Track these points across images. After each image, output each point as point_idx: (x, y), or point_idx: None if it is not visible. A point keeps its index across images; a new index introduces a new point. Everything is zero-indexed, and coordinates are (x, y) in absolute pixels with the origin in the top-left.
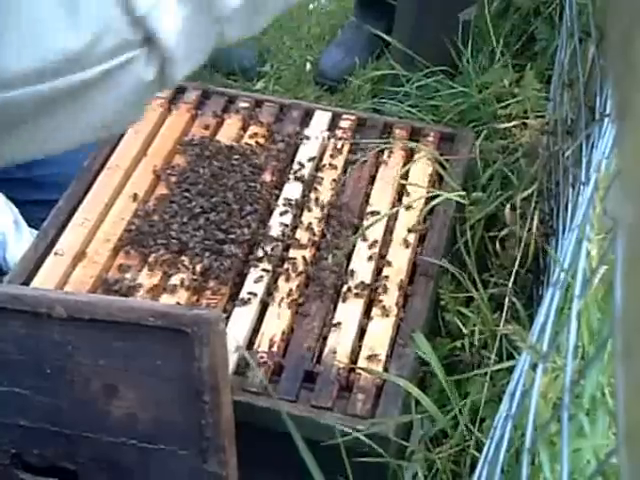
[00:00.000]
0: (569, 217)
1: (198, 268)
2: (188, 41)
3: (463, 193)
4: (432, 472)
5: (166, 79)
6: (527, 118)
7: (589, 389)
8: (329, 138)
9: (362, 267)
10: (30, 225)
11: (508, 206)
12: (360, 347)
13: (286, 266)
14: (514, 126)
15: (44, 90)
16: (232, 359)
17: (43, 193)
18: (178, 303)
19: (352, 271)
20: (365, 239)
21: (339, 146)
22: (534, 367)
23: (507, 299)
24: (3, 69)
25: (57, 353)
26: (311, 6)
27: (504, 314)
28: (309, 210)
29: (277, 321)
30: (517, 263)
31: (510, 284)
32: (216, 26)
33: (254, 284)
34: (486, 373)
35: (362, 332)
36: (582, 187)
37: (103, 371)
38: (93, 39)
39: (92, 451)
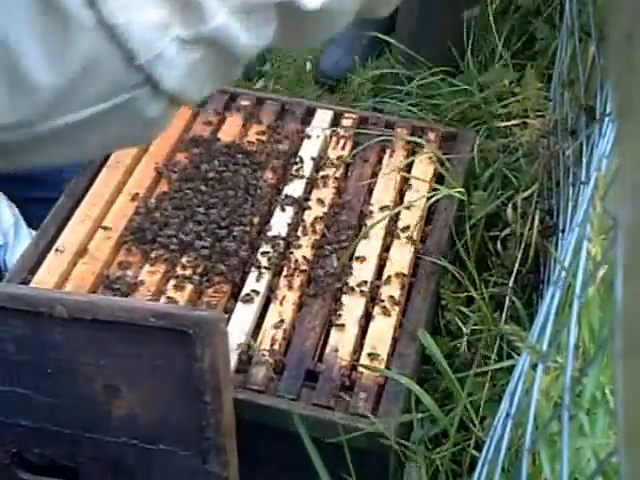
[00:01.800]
0: (569, 216)
1: (200, 266)
2: (197, 80)
3: (463, 190)
4: (432, 471)
5: (180, 104)
6: (528, 117)
7: (590, 388)
8: (331, 137)
9: (363, 266)
10: (29, 223)
11: (510, 206)
12: (362, 346)
13: (288, 264)
14: (515, 125)
15: (38, 130)
16: (234, 357)
17: (43, 191)
18: (176, 301)
19: (353, 270)
20: (366, 238)
21: (341, 145)
22: (534, 367)
23: (507, 299)
24: None
25: (58, 353)
26: None
27: (504, 314)
28: (311, 208)
29: (279, 319)
30: (517, 263)
31: (510, 283)
32: (233, 66)
33: (256, 282)
34: (486, 372)
35: (363, 331)
36: (582, 186)
37: (104, 371)
38: (83, 82)
39: (93, 451)
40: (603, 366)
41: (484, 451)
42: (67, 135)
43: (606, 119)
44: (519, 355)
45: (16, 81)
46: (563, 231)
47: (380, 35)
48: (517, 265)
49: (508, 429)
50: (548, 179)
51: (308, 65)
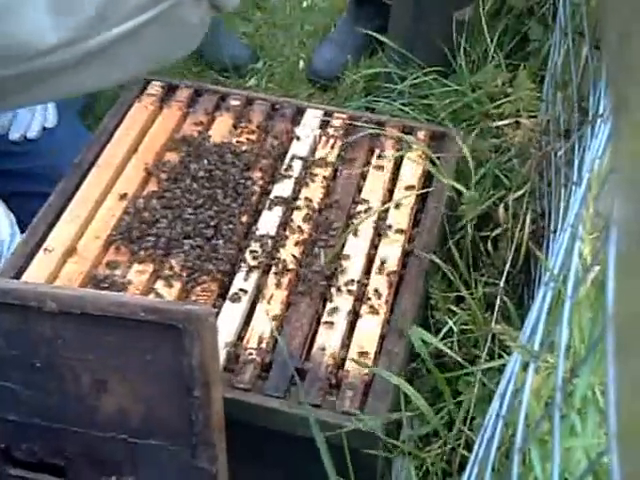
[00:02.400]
0: (561, 217)
1: (188, 265)
2: None
3: (455, 185)
4: (422, 471)
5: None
6: (520, 118)
7: (581, 388)
8: (320, 136)
9: (351, 264)
10: (18, 217)
11: (501, 206)
12: (349, 344)
13: (276, 263)
14: (507, 125)
15: (84, 47)
16: (221, 356)
17: (32, 185)
18: (163, 298)
19: (341, 268)
20: (355, 236)
21: (330, 144)
22: (525, 366)
23: (498, 298)
24: (44, 42)
25: (47, 347)
26: (305, 3)
27: (495, 313)
28: (299, 208)
29: (266, 318)
30: (509, 263)
31: (501, 283)
32: None
33: (244, 281)
34: (476, 372)
35: (351, 329)
36: (574, 187)
37: (93, 366)
38: None
39: (81, 446)
40: (594, 366)
41: (474, 451)
42: (112, 51)
43: (598, 120)
44: (509, 355)
45: (59, 1)
46: (555, 232)
47: (373, 34)
48: (508, 265)
49: (499, 429)
50: (540, 179)
51: (301, 63)
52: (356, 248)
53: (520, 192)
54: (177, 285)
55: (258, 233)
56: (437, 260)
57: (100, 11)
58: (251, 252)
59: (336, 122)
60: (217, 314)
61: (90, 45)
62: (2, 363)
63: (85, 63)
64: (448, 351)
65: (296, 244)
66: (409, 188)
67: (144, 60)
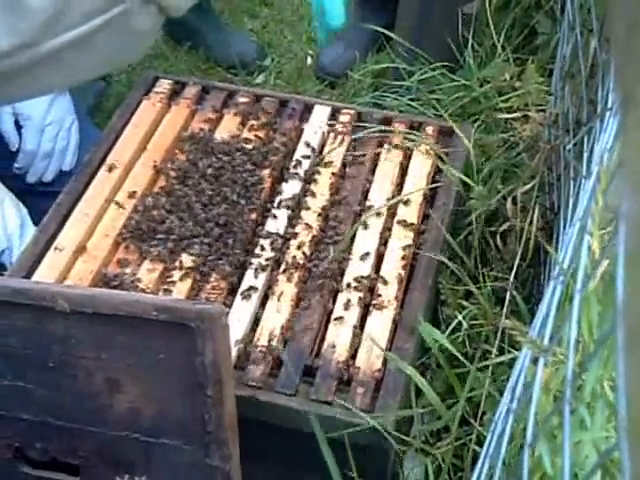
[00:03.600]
0: (570, 211)
1: (198, 263)
2: None
3: (464, 180)
4: (434, 466)
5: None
6: (528, 112)
7: (590, 382)
8: (329, 133)
9: (361, 261)
10: (32, 216)
11: (509, 200)
12: (359, 341)
13: (285, 260)
14: (515, 119)
15: (37, 52)
16: (232, 353)
17: (44, 184)
18: (173, 297)
19: (351, 265)
20: (364, 233)
21: (339, 140)
22: (535, 361)
23: (508, 293)
24: None
25: (60, 347)
26: None
27: (505, 308)
28: (308, 205)
29: (276, 315)
30: (518, 257)
31: (511, 278)
32: None
33: (254, 279)
34: (487, 367)
35: (361, 326)
36: (583, 180)
37: (106, 365)
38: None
39: (94, 445)
40: (603, 360)
41: (485, 446)
42: (63, 56)
43: (607, 113)
44: (519, 350)
45: (9, 6)
46: (564, 226)
47: (380, 29)
48: (517, 260)
49: (509, 424)
50: (549, 173)
51: (309, 60)
52: (365, 244)
53: (529, 186)
54: (187, 283)
55: (267, 230)
56: (444, 259)
57: (53, 16)
58: (261, 249)
59: (344, 118)
60: (227, 312)
61: (45, 49)
62: (16, 362)
63: (40, 66)
64: (457, 353)
65: (305, 241)
66: (418, 184)
67: (97, 65)
